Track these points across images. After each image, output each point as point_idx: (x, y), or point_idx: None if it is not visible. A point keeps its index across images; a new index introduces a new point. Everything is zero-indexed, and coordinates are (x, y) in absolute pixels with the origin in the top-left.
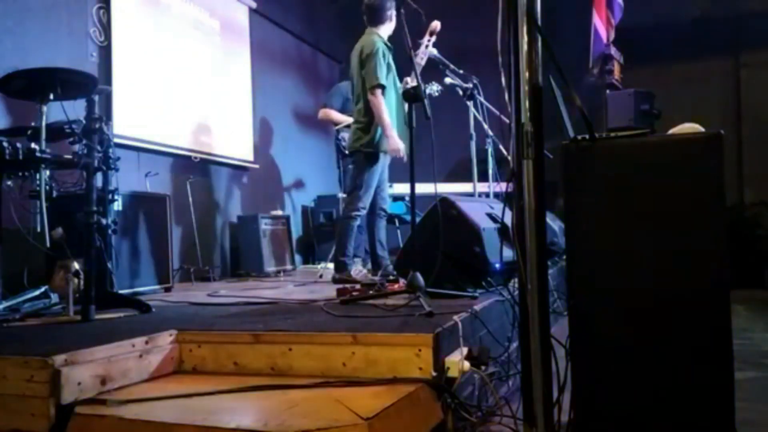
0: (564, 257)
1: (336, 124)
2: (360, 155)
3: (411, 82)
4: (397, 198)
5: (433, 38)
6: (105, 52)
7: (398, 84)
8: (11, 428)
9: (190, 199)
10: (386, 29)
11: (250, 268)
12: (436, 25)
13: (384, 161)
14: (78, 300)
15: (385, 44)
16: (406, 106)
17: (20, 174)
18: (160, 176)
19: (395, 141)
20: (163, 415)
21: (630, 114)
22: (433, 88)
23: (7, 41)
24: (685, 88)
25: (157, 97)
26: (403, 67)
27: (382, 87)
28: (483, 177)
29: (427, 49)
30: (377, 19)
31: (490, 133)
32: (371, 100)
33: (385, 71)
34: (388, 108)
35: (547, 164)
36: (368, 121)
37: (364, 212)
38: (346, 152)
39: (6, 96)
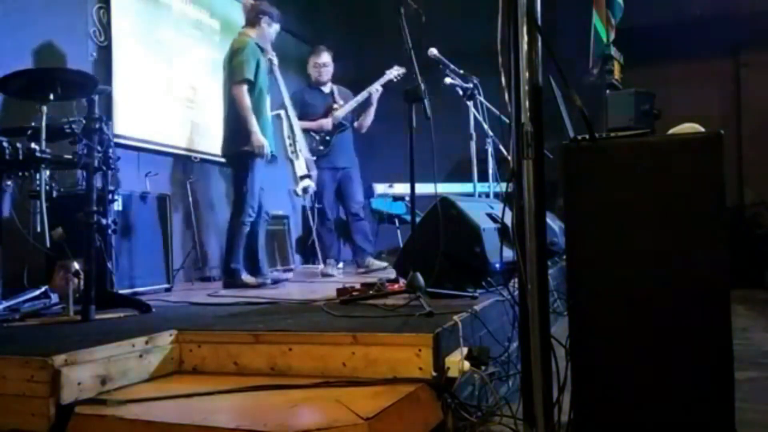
0: (564, 257)
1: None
2: (236, 159)
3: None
4: (397, 198)
5: None
6: (105, 52)
7: (265, 87)
8: (11, 428)
9: (190, 199)
10: (257, 32)
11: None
12: None
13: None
14: (78, 300)
15: (258, 45)
16: (373, 110)
17: (20, 174)
18: (160, 176)
19: (258, 138)
20: (163, 415)
21: (630, 114)
22: (393, 74)
23: (7, 41)
24: (685, 88)
25: (157, 97)
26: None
27: (249, 82)
28: (483, 177)
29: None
30: (248, 22)
31: (490, 133)
32: (235, 93)
33: (253, 68)
34: (259, 109)
35: (547, 164)
36: (239, 121)
37: (254, 217)
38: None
39: (6, 96)
